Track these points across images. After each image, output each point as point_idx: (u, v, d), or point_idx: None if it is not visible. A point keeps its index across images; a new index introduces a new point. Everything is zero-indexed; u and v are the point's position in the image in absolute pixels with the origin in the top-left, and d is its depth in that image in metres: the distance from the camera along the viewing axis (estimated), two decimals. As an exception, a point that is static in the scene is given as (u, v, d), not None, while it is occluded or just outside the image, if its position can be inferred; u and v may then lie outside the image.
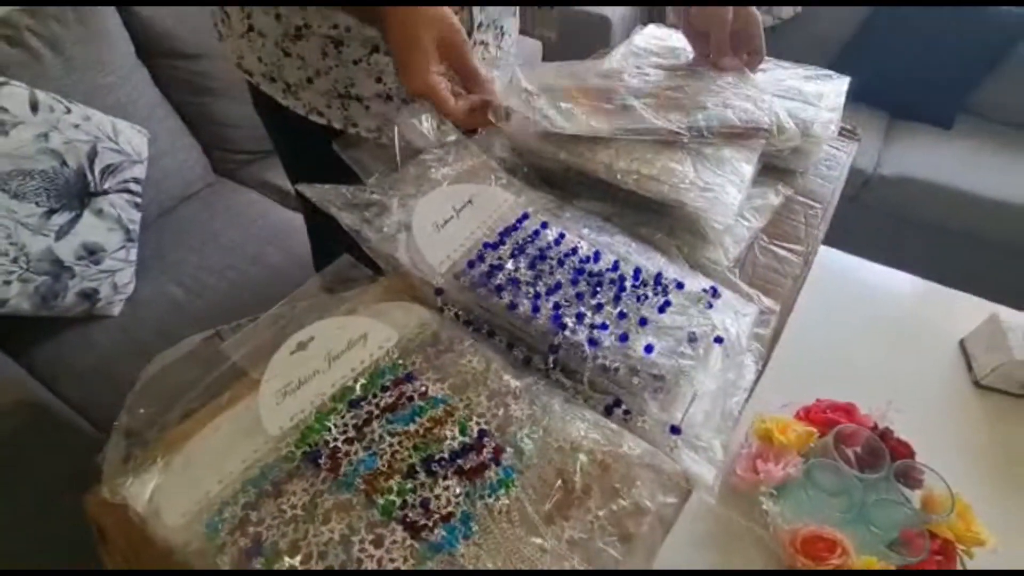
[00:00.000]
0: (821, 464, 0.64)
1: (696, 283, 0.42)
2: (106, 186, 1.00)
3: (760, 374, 0.42)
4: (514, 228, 0.40)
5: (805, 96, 0.65)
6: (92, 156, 0.97)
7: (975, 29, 1.53)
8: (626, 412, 0.33)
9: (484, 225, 0.40)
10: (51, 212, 0.92)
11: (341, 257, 0.39)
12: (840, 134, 0.72)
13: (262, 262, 1.13)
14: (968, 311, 0.88)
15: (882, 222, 1.53)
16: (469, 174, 0.45)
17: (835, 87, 0.69)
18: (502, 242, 0.39)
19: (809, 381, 0.76)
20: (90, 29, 1.07)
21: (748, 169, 0.55)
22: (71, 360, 0.92)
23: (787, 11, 1.76)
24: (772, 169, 0.62)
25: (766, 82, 0.67)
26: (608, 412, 0.33)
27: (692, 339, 0.35)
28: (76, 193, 0.95)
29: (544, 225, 0.41)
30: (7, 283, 0.86)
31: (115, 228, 1.01)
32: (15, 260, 0.87)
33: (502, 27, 0.67)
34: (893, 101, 1.66)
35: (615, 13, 1.69)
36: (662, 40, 0.74)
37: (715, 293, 0.41)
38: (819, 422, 0.71)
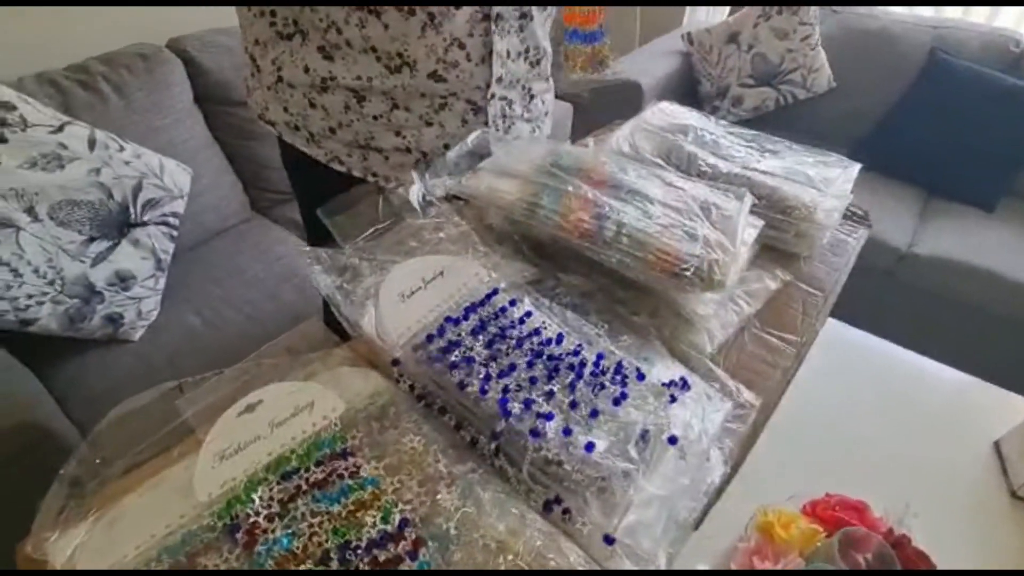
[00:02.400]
0: (822, 571, 0.59)
1: (664, 373, 0.41)
2: (146, 218, 1.07)
3: (730, 476, 0.39)
4: (481, 303, 0.40)
5: (812, 181, 0.64)
6: (137, 190, 1.05)
7: (1021, 109, 1.49)
8: (565, 511, 0.31)
9: (451, 299, 0.40)
10: (91, 240, 0.98)
11: (309, 320, 0.40)
12: (851, 219, 0.70)
13: (278, 299, 1.17)
14: (1006, 409, 0.81)
15: (916, 301, 1.46)
16: (449, 243, 0.46)
17: (845, 174, 0.68)
18: (466, 317, 0.39)
19: (820, 470, 0.71)
20: (155, 77, 1.18)
21: (744, 252, 0.55)
22: (86, 382, 0.96)
23: (822, 84, 1.77)
24: (773, 251, 0.61)
25: (775, 165, 0.67)
26: (547, 508, 0.32)
27: (643, 437, 0.33)
28: (117, 224, 1.02)
29: (512, 302, 0.41)
30: (40, 304, 0.91)
31: (148, 257, 1.07)
32: (51, 283, 0.93)
33: (529, 88, 0.69)
34: (931, 179, 1.61)
35: (647, 79, 1.74)
36: (671, 117, 0.75)
37: (684, 385, 0.40)
38: (826, 520, 0.66)
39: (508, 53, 0.61)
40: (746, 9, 1.79)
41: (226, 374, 0.38)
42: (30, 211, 0.90)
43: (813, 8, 1.70)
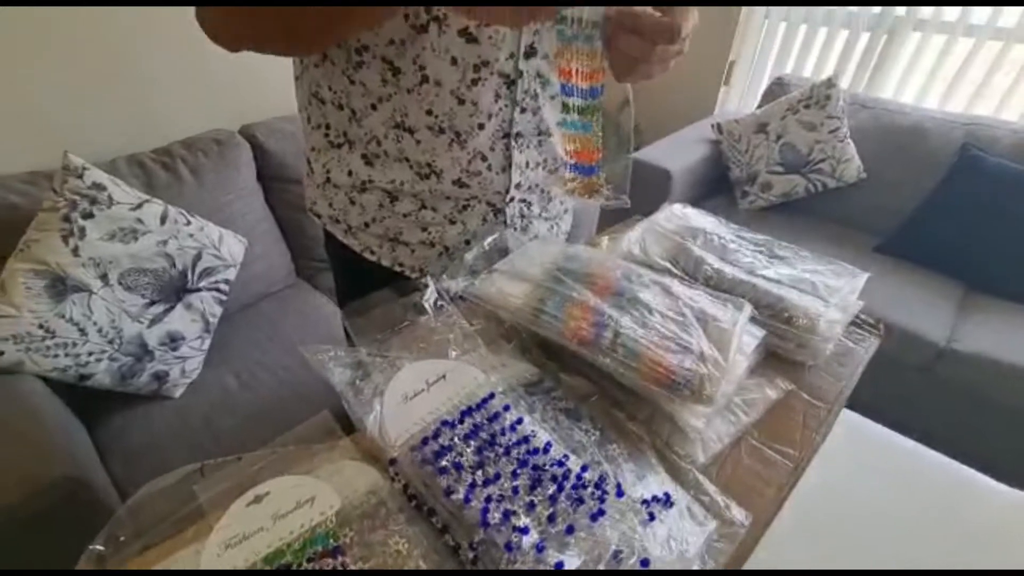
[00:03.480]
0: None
1: (650, 487, 0.42)
2: (201, 284, 1.17)
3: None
4: (477, 408, 0.43)
5: (817, 290, 0.66)
6: (196, 260, 1.16)
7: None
8: (535, 628, 0.33)
9: (450, 402, 0.44)
10: (151, 303, 1.09)
11: (321, 413, 0.44)
12: (861, 328, 0.70)
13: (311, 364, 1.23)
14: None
15: (957, 400, 1.38)
16: (455, 345, 0.50)
17: (851, 283, 0.68)
18: (461, 420, 0.42)
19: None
20: (226, 159, 1.33)
21: (742, 362, 0.56)
22: (128, 435, 1.03)
23: (851, 175, 1.79)
24: (776, 358, 0.62)
25: (782, 272, 0.69)
26: (518, 623, 0.33)
27: (616, 557, 0.35)
28: (175, 289, 1.12)
29: (506, 407, 0.44)
30: (99, 360, 1.01)
31: (198, 320, 1.16)
32: (111, 341, 1.02)
33: (548, 191, 0.75)
34: (969, 272, 1.57)
35: (676, 165, 1.81)
36: (683, 219, 0.79)
37: (667, 502, 0.41)
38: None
39: (527, 163, 0.68)
40: (774, 103, 1.87)
41: (243, 461, 0.42)
42: (103, 278, 1.01)
43: (840, 102, 1.76)
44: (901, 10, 1.85)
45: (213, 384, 1.17)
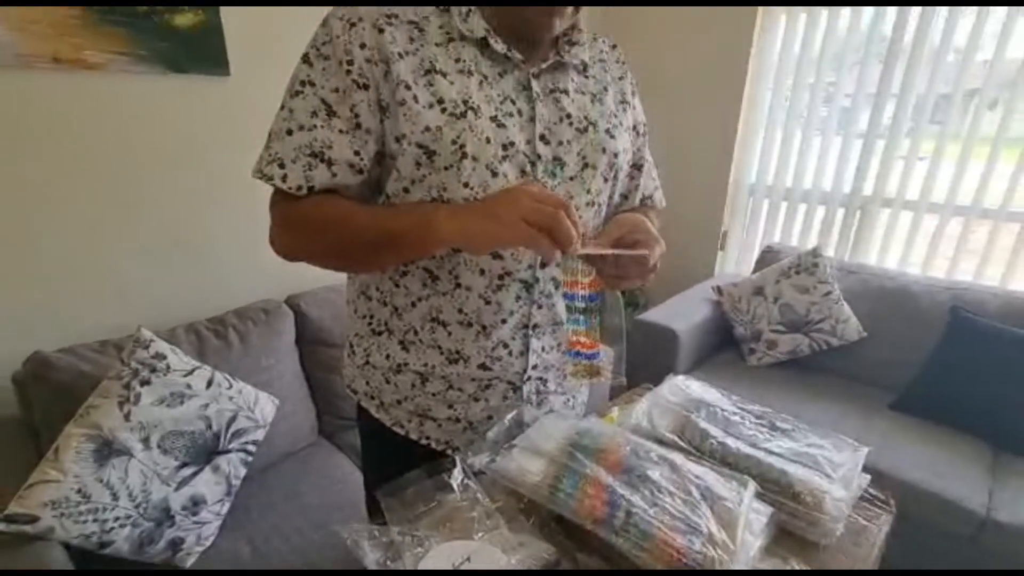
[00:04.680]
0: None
1: None
2: (231, 446, 1.22)
3: None
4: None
5: (820, 465, 0.69)
6: (231, 422, 1.23)
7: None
8: None
9: (475, 585, 0.47)
10: (183, 466, 1.13)
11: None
12: (872, 503, 0.72)
13: (325, 528, 1.22)
14: None
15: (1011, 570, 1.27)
16: (479, 523, 0.54)
17: (853, 458, 0.72)
18: (485, 606, 0.45)
19: None
20: (271, 326, 1.48)
21: (753, 542, 0.58)
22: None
23: (852, 334, 1.87)
24: (791, 536, 0.63)
25: (784, 446, 0.74)
26: None
27: None
28: (206, 451, 1.18)
29: (526, 591, 0.47)
30: (123, 526, 1.02)
31: (221, 483, 1.19)
32: (138, 506, 1.05)
33: (563, 369, 0.83)
34: (993, 431, 1.55)
35: (682, 325, 1.92)
36: (686, 392, 0.86)
37: None
38: None
39: (543, 348, 0.77)
40: (767, 268, 2.04)
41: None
42: (146, 440, 1.08)
43: (828, 269, 1.92)
44: (869, 189, 2.11)
45: (226, 552, 1.15)
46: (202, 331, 1.37)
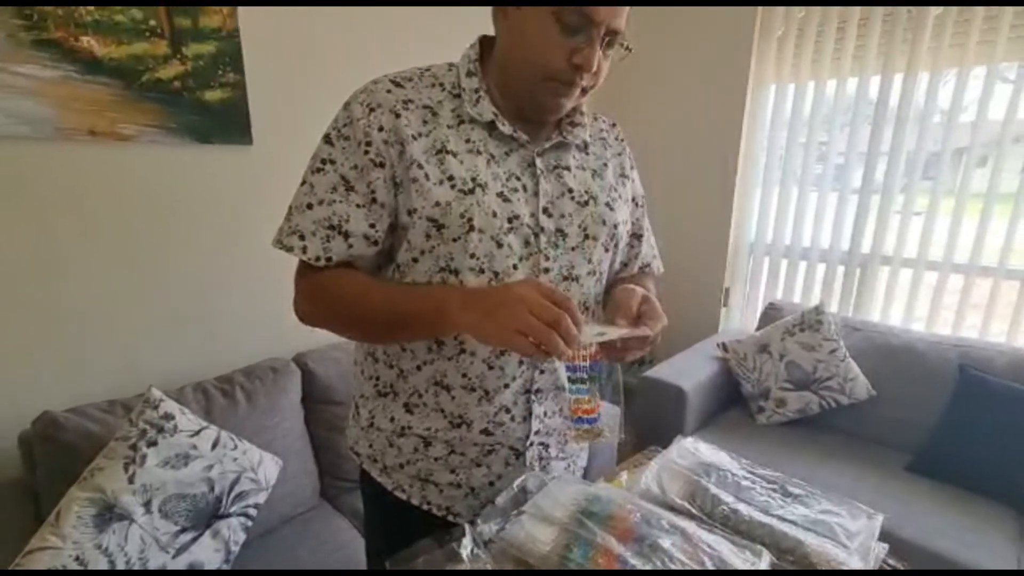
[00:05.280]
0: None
1: None
2: (232, 509, 1.20)
3: None
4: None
5: (835, 534, 0.68)
6: (234, 484, 1.21)
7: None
8: None
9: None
10: (183, 531, 1.11)
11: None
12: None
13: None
14: None
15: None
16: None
17: (869, 526, 0.71)
18: None
19: None
20: (278, 385, 1.48)
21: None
22: None
23: (861, 393, 1.85)
24: (810, 613, 0.61)
25: (797, 513, 0.72)
26: None
27: None
28: (207, 515, 1.15)
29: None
30: (118, 597, 0.99)
31: (220, 549, 1.16)
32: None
33: (564, 433, 0.83)
34: (1016, 495, 1.50)
35: (689, 383, 1.91)
36: (696, 455, 0.85)
37: None
38: None
39: (545, 413, 0.78)
40: (771, 325, 2.05)
41: None
42: (147, 504, 1.06)
43: (832, 326, 1.93)
44: (867, 247, 2.15)
45: (221, 626, 1.10)
46: (210, 390, 1.38)
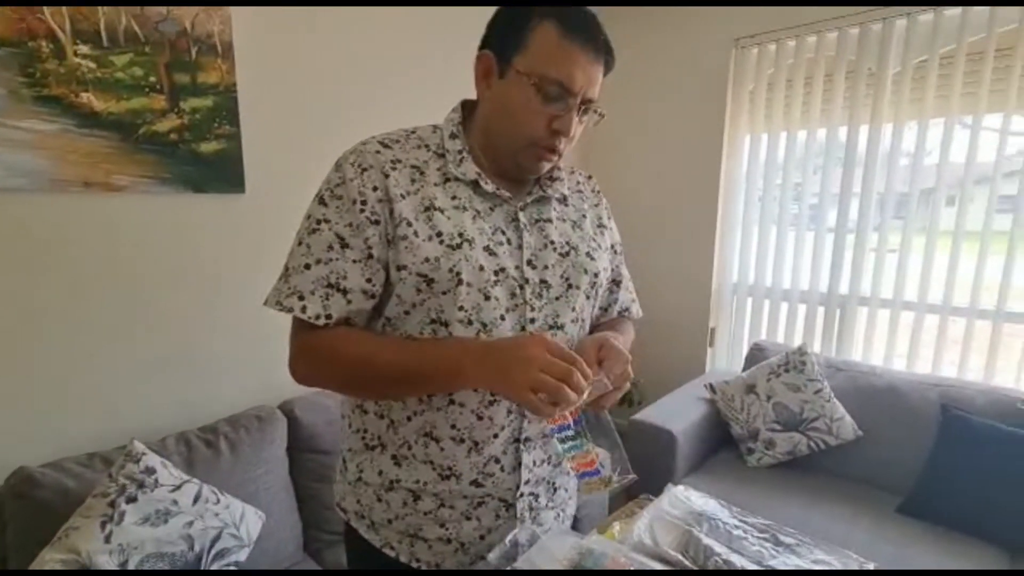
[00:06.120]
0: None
1: None
2: (212, 567, 1.15)
3: None
4: None
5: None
6: (215, 541, 1.17)
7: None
8: None
9: None
10: (159, 593, 1.06)
11: None
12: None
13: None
14: None
15: None
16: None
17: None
18: None
19: None
20: (264, 433, 1.45)
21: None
22: None
23: (847, 433, 1.87)
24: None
25: (788, 563, 0.72)
26: None
27: None
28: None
29: None
30: (88, 668, 0.93)
31: (198, 613, 1.11)
32: (107, 643, 0.97)
33: (553, 482, 0.83)
34: (1006, 535, 1.50)
35: (679, 425, 1.91)
36: (687, 504, 0.85)
37: None
38: None
39: (534, 462, 0.78)
40: (757, 366, 2.08)
41: None
42: (123, 565, 1.02)
43: (816, 366, 1.96)
44: (844, 288, 2.21)
45: None
46: (193, 440, 1.35)
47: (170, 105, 1.45)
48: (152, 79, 1.42)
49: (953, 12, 1.88)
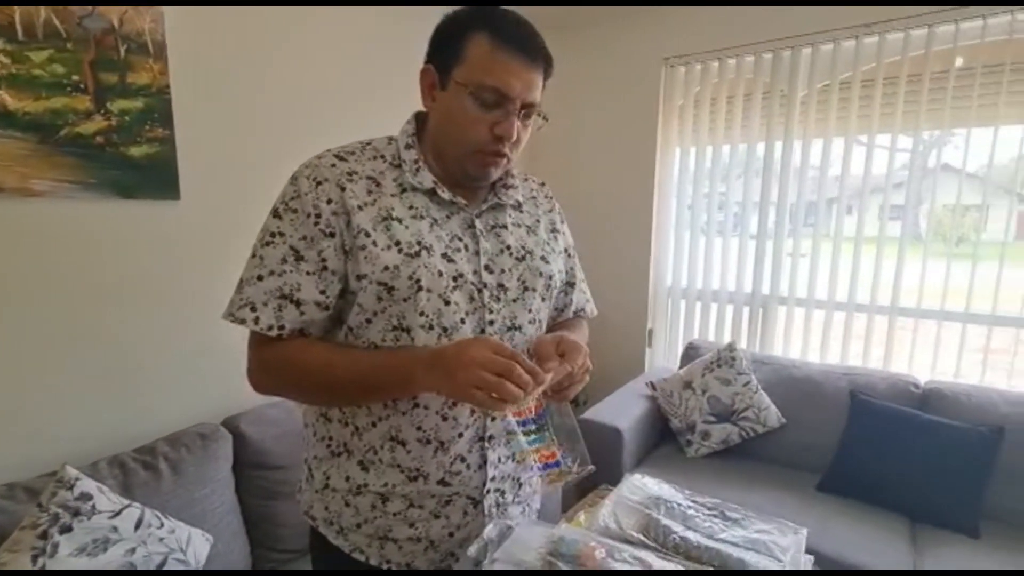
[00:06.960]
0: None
1: None
2: (157, 597, 1.09)
3: None
4: None
5: (771, 551, 0.76)
6: (161, 566, 1.10)
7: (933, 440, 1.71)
8: None
9: None
10: (99, 629, 0.98)
11: None
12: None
13: None
14: None
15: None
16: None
17: (796, 540, 0.80)
18: None
19: None
20: (207, 452, 1.38)
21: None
22: None
23: (772, 421, 2.05)
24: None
25: (737, 535, 0.80)
26: None
27: None
28: (129, 607, 1.04)
29: None
30: None
31: (144, 646, 1.04)
32: None
33: (518, 478, 0.86)
34: (907, 505, 1.71)
35: (624, 422, 2.01)
36: (644, 489, 0.92)
37: None
38: None
39: (499, 459, 0.81)
40: (692, 363, 2.23)
41: None
42: (58, 601, 0.94)
43: (744, 361, 2.14)
44: (766, 289, 2.43)
45: None
46: (128, 463, 1.26)
47: (96, 106, 1.36)
48: (75, 77, 1.32)
49: (848, 44, 2.14)
